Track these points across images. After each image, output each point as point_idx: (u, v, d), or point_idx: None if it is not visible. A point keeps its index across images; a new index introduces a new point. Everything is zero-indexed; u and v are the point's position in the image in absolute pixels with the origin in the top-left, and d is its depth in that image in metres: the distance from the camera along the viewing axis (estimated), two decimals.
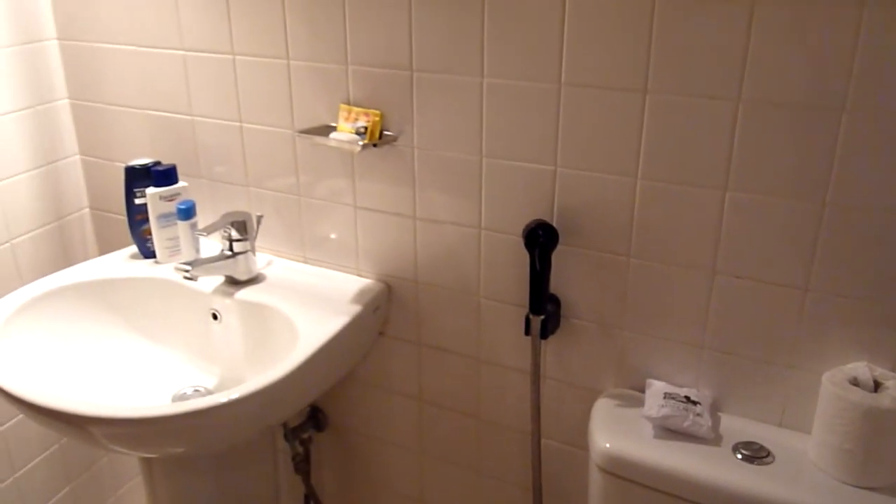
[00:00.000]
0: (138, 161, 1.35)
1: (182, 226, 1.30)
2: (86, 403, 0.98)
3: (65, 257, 1.55)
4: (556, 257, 1.11)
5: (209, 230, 1.22)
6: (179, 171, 1.35)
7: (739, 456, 1.00)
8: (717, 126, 0.96)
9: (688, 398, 1.06)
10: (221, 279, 1.29)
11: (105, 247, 1.60)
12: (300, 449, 1.44)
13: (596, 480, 1.06)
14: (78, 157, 1.55)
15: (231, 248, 1.26)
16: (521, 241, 1.11)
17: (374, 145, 1.18)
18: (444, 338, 1.28)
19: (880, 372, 0.96)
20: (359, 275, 1.32)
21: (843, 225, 0.93)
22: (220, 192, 1.40)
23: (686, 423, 1.02)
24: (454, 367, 1.29)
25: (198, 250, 1.32)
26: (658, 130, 0.99)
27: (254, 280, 1.29)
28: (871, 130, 0.88)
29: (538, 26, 1.02)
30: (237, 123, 1.32)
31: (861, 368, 0.96)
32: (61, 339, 1.25)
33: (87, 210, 1.59)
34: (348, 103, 1.20)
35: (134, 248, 1.40)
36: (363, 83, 1.18)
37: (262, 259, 1.37)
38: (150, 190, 1.30)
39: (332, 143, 1.18)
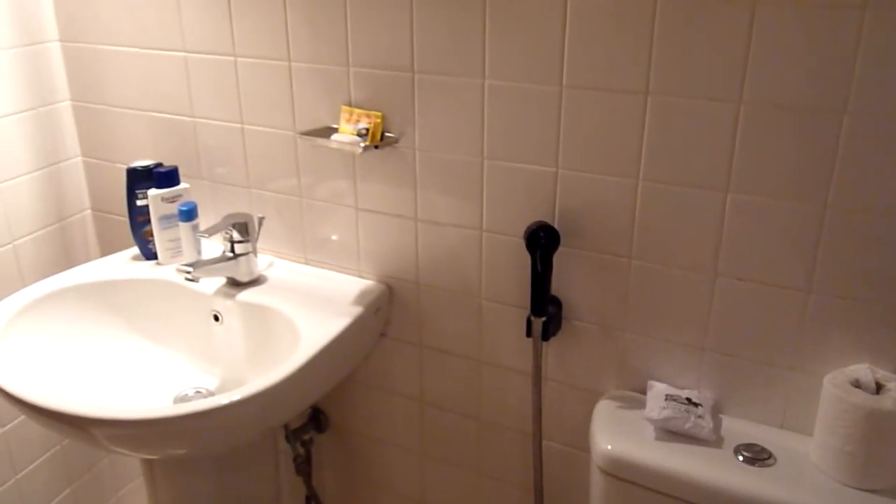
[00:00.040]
0: (140, 163, 1.35)
1: (184, 227, 1.30)
2: (87, 405, 0.98)
3: (66, 259, 1.55)
4: (558, 259, 1.11)
5: (211, 232, 1.22)
6: (181, 172, 1.35)
7: (741, 458, 1.00)
8: (719, 128, 0.96)
9: (689, 400, 1.06)
10: (223, 281, 1.29)
11: (107, 248, 1.61)
12: (301, 450, 1.44)
13: (597, 482, 1.06)
14: (80, 158, 1.55)
15: (232, 250, 1.26)
16: (522, 243, 1.11)
17: (376, 147, 1.18)
18: (445, 339, 1.28)
19: (882, 374, 0.96)
20: (360, 276, 1.32)
21: (844, 227, 0.93)
22: (221, 194, 1.40)
23: (687, 425, 1.02)
24: (455, 368, 1.29)
25: (199, 252, 1.32)
26: (659, 132, 0.99)
27: (255, 281, 1.30)
28: (873, 132, 0.88)
29: (539, 28, 1.02)
30: (239, 125, 1.32)
31: (863, 370, 0.96)
32: (63, 341, 1.25)
33: (88, 211, 1.60)
34: (350, 105, 1.20)
35: (135, 250, 1.40)
36: (365, 85, 1.18)
37: (264, 260, 1.37)
38: (152, 191, 1.30)
39: (334, 145, 1.18)
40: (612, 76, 0.99)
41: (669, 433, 1.04)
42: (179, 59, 1.33)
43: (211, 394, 1.26)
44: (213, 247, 1.40)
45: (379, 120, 1.17)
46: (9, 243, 1.43)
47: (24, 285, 1.41)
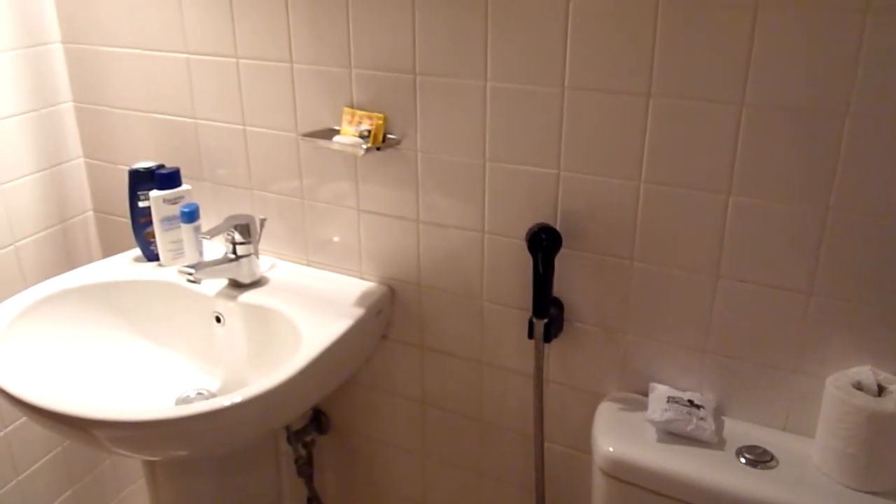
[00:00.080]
0: (142, 164, 1.35)
1: (185, 229, 1.30)
2: (89, 406, 0.98)
3: (68, 260, 1.56)
4: (560, 261, 1.11)
5: (213, 233, 1.23)
6: (183, 174, 1.35)
7: (743, 460, 1.00)
8: (721, 130, 0.96)
9: (691, 402, 1.06)
10: (225, 282, 1.29)
11: (109, 249, 1.61)
12: (303, 452, 1.44)
13: (599, 484, 1.06)
14: (82, 159, 1.55)
15: (234, 251, 1.26)
16: (524, 245, 1.11)
17: (378, 149, 1.18)
18: (447, 341, 1.28)
19: (884, 376, 0.96)
20: (362, 278, 1.32)
21: (846, 229, 0.93)
22: (223, 195, 1.40)
23: (689, 427, 1.02)
24: (457, 370, 1.29)
25: (201, 253, 1.32)
26: (661, 134, 0.99)
27: (257, 283, 1.30)
28: (875, 134, 0.88)
29: (541, 30, 1.02)
30: (241, 126, 1.32)
31: (865, 372, 0.96)
32: (65, 342, 1.25)
33: (90, 213, 1.60)
34: (352, 106, 1.20)
35: (137, 251, 1.40)
36: (367, 86, 1.18)
37: (266, 262, 1.38)
38: (154, 193, 1.30)
39: (336, 147, 1.18)
40: (614, 78, 1.00)
41: (671, 435, 1.04)
42: (181, 60, 1.33)
43: (212, 395, 1.26)
44: (215, 248, 1.40)
45: (381, 122, 1.17)
46: (11, 244, 1.43)
47: (26, 286, 1.41)
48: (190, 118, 1.37)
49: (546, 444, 1.26)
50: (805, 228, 0.95)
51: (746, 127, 0.94)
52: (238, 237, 1.25)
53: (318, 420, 1.47)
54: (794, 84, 0.90)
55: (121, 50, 1.39)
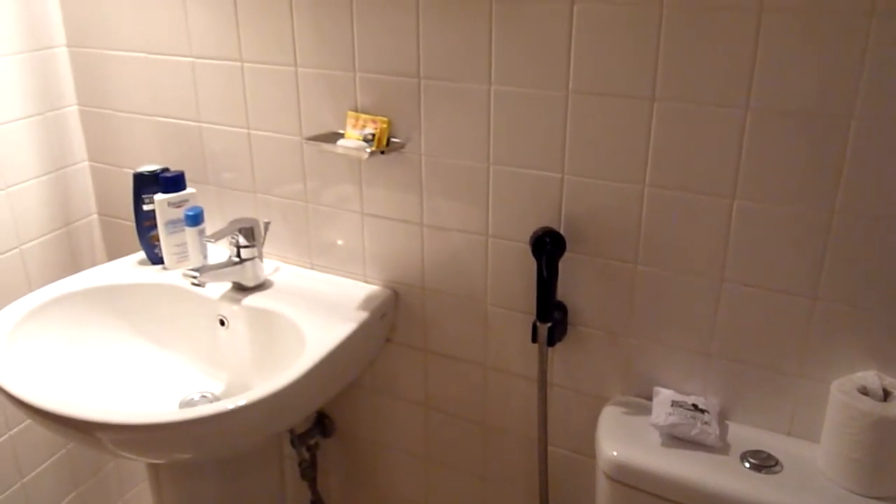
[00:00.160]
0: (146, 167, 1.35)
1: (190, 232, 1.30)
2: (94, 409, 0.98)
3: (73, 263, 1.56)
4: (564, 265, 1.11)
5: (217, 236, 1.23)
6: (187, 177, 1.36)
7: (747, 465, 1.00)
8: (725, 134, 0.96)
9: (695, 406, 1.06)
10: (229, 285, 1.30)
11: (113, 253, 1.61)
12: (306, 455, 1.44)
13: (603, 488, 1.06)
14: (87, 163, 1.56)
15: (238, 255, 1.26)
16: (528, 249, 1.11)
17: (382, 152, 1.18)
18: (450, 344, 1.28)
19: (889, 381, 0.95)
20: (366, 281, 1.32)
21: (851, 233, 0.93)
22: (227, 199, 1.40)
23: (694, 432, 1.02)
24: (461, 373, 1.29)
25: (205, 256, 1.33)
26: (666, 138, 0.99)
27: (261, 286, 1.30)
28: (880, 137, 0.88)
29: (545, 33, 1.02)
30: (245, 130, 1.32)
31: (870, 377, 0.95)
32: (69, 345, 1.26)
33: (95, 216, 1.60)
34: (356, 110, 1.20)
35: (142, 254, 1.41)
36: (371, 90, 1.18)
37: (270, 265, 1.38)
38: (159, 196, 1.31)
39: (340, 150, 1.18)
40: (618, 81, 0.99)
41: (675, 439, 1.04)
42: (186, 64, 1.34)
43: (216, 398, 1.26)
44: (219, 251, 1.40)
45: (385, 125, 1.17)
46: (16, 247, 1.43)
47: (31, 289, 1.42)
48: (194, 122, 1.37)
49: (550, 448, 1.26)
50: (810, 232, 0.95)
51: (751, 131, 0.94)
52: (242, 240, 1.25)
53: (321, 423, 1.47)
54: (799, 88, 0.90)
55: (126, 54, 1.40)
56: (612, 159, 1.04)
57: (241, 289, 1.29)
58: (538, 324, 1.11)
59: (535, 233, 1.10)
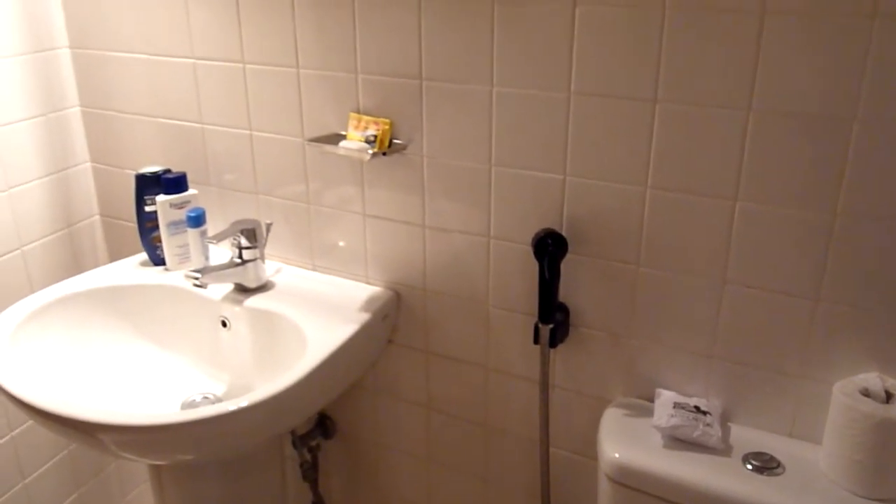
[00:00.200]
0: (149, 169, 1.35)
1: (192, 233, 1.30)
2: (96, 410, 0.98)
3: (75, 264, 1.56)
4: (565, 266, 1.11)
5: (219, 238, 1.23)
6: (189, 178, 1.36)
7: (749, 466, 0.99)
8: (728, 135, 0.96)
9: (697, 408, 1.06)
10: (231, 287, 1.30)
11: (115, 254, 1.61)
12: (308, 456, 1.44)
13: (605, 490, 1.06)
14: (89, 164, 1.56)
15: (240, 256, 1.26)
16: (530, 250, 1.11)
17: (384, 154, 1.18)
18: (452, 346, 1.28)
19: (892, 382, 0.95)
20: (367, 282, 1.32)
21: (853, 235, 0.93)
22: (229, 200, 1.40)
23: (696, 434, 1.02)
24: (462, 375, 1.29)
25: (207, 258, 1.33)
26: (668, 139, 0.99)
27: (263, 287, 1.30)
28: (883, 139, 0.88)
29: (548, 35, 1.02)
30: (247, 131, 1.33)
31: (872, 379, 0.95)
32: (71, 346, 1.26)
33: (97, 217, 1.60)
34: (358, 112, 1.20)
35: (144, 256, 1.41)
36: (373, 92, 1.18)
37: (272, 267, 1.38)
38: (161, 197, 1.31)
39: (342, 152, 1.18)
40: (620, 83, 1.00)
41: (677, 441, 1.04)
42: (188, 65, 1.34)
43: (218, 400, 1.26)
44: (221, 253, 1.40)
45: (387, 127, 1.17)
46: (17, 249, 1.43)
47: (33, 290, 1.42)
48: (197, 123, 1.37)
49: (551, 450, 1.26)
50: (812, 234, 0.95)
51: (753, 132, 0.94)
52: (244, 242, 1.25)
53: (323, 424, 1.47)
54: (801, 89, 0.90)
55: (128, 55, 1.40)
56: (614, 161, 1.04)
57: (242, 290, 1.29)
58: (540, 325, 1.11)
59: (536, 234, 1.10)
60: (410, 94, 1.15)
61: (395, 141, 1.19)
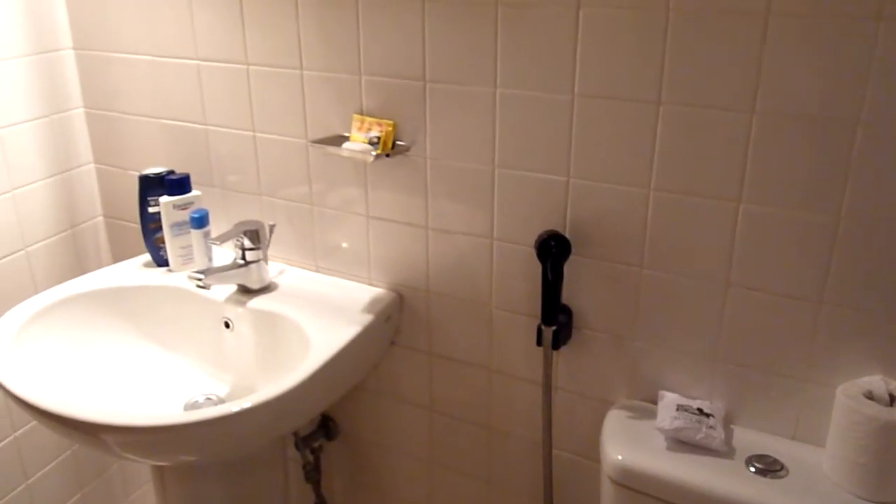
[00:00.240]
0: (152, 170, 1.35)
1: (195, 234, 1.30)
2: (99, 411, 0.98)
3: (79, 265, 1.56)
4: (569, 268, 1.11)
5: (222, 239, 1.23)
6: (193, 180, 1.36)
7: (753, 469, 0.99)
8: (731, 137, 0.95)
9: (701, 410, 1.06)
10: (234, 288, 1.30)
11: (118, 255, 1.61)
12: (310, 457, 1.44)
13: (608, 492, 1.05)
14: (92, 165, 1.56)
15: (244, 257, 1.26)
16: (533, 252, 1.11)
17: (387, 155, 1.18)
18: (455, 348, 1.28)
19: (895, 385, 0.95)
20: (370, 284, 1.32)
21: (857, 237, 0.93)
22: (233, 201, 1.40)
23: (699, 436, 1.02)
24: (465, 376, 1.29)
25: (210, 259, 1.33)
26: (671, 142, 0.99)
27: (266, 289, 1.30)
28: (887, 142, 0.88)
29: (551, 37, 1.02)
30: (250, 133, 1.33)
31: (876, 382, 0.95)
32: (75, 347, 1.26)
33: (100, 218, 1.60)
34: (361, 113, 1.20)
35: (147, 257, 1.41)
36: (376, 93, 1.18)
37: (275, 268, 1.38)
38: (164, 199, 1.31)
39: (345, 153, 1.18)
40: (623, 85, 0.99)
41: (681, 443, 1.04)
42: (192, 67, 1.34)
43: (221, 401, 1.26)
44: (225, 254, 1.40)
45: (390, 128, 1.17)
46: (21, 249, 1.44)
47: (37, 291, 1.43)
48: (200, 124, 1.38)
49: (554, 452, 1.26)
50: (816, 237, 0.95)
51: (757, 135, 0.94)
52: (247, 243, 1.25)
53: (325, 426, 1.47)
54: (806, 92, 0.90)
55: (132, 56, 1.40)
56: (617, 163, 1.04)
57: (245, 291, 1.29)
58: (543, 327, 1.11)
59: (540, 236, 1.09)
60: (414, 95, 1.15)
61: (399, 142, 1.19)
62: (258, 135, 1.32)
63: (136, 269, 1.39)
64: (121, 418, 0.97)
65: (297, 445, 1.40)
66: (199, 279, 1.17)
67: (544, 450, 1.17)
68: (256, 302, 1.26)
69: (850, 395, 0.94)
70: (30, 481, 1.52)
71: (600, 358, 1.15)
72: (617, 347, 1.13)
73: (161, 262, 1.39)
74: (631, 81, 0.99)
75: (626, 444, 1.05)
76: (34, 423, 1.49)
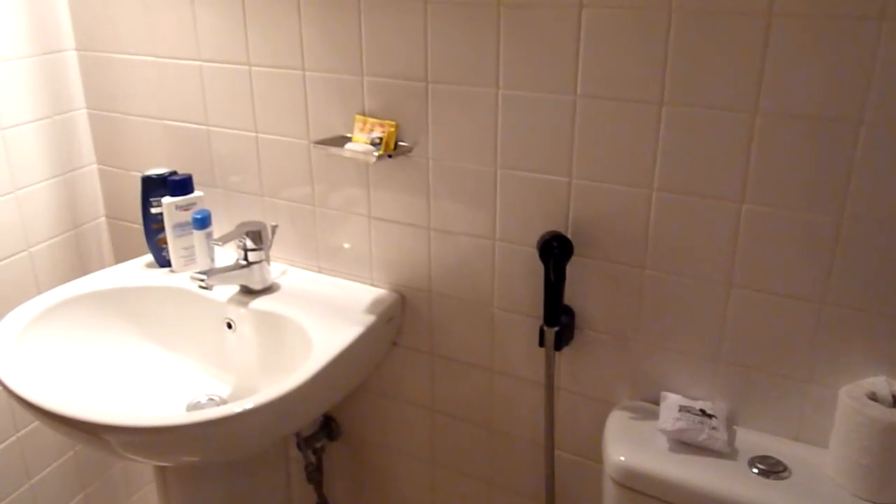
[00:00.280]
0: (154, 171, 1.36)
1: (197, 235, 1.30)
2: (101, 412, 0.98)
3: (81, 266, 1.57)
4: (571, 269, 1.11)
5: (224, 240, 1.23)
6: (195, 180, 1.36)
7: (755, 470, 0.99)
8: (734, 138, 0.95)
9: (703, 411, 1.05)
10: (236, 288, 1.30)
11: (121, 255, 1.62)
12: (312, 458, 1.44)
13: (610, 493, 1.05)
14: (95, 166, 1.56)
15: (246, 258, 1.26)
16: (535, 253, 1.11)
17: (389, 156, 1.18)
18: (457, 348, 1.28)
19: None
20: (373, 285, 1.32)
21: (860, 238, 0.92)
22: (235, 202, 1.40)
23: (702, 437, 1.02)
24: (467, 377, 1.29)
25: (213, 259, 1.33)
26: (674, 142, 0.99)
27: (268, 289, 1.30)
28: (890, 142, 0.87)
29: (554, 38, 1.02)
30: (253, 134, 1.33)
31: (880, 383, 0.95)
32: (77, 347, 1.26)
33: (103, 219, 1.61)
34: (363, 114, 1.20)
35: (150, 257, 1.41)
36: (378, 94, 1.18)
37: (277, 268, 1.38)
38: (166, 199, 1.31)
39: (348, 154, 1.18)
40: (626, 86, 0.99)
41: (683, 445, 1.03)
42: (194, 68, 1.34)
43: (223, 401, 1.27)
44: (227, 255, 1.40)
45: (392, 129, 1.17)
46: (24, 250, 1.44)
47: (40, 292, 1.43)
48: (202, 125, 1.38)
49: (556, 453, 1.25)
50: (819, 237, 0.95)
51: (760, 135, 0.94)
52: (250, 244, 1.25)
53: (328, 426, 1.47)
54: (809, 92, 0.90)
55: (134, 57, 1.40)
56: (620, 163, 1.03)
57: (248, 292, 1.29)
58: (545, 328, 1.11)
59: (542, 237, 1.09)
60: (416, 96, 1.15)
61: (401, 143, 1.19)
62: (260, 136, 1.32)
63: (138, 270, 1.39)
64: (123, 419, 0.97)
65: (299, 446, 1.40)
66: (202, 280, 1.18)
67: (546, 451, 1.17)
68: (259, 302, 1.27)
69: (853, 397, 0.94)
70: (32, 481, 1.52)
71: (602, 359, 1.15)
72: (619, 348, 1.13)
73: (163, 262, 1.39)
74: (633, 82, 0.99)
75: (629, 445, 1.04)
76: (37, 423, 1.49)
